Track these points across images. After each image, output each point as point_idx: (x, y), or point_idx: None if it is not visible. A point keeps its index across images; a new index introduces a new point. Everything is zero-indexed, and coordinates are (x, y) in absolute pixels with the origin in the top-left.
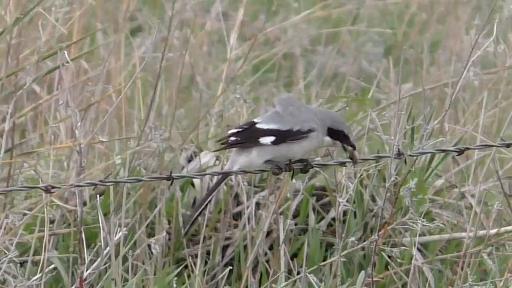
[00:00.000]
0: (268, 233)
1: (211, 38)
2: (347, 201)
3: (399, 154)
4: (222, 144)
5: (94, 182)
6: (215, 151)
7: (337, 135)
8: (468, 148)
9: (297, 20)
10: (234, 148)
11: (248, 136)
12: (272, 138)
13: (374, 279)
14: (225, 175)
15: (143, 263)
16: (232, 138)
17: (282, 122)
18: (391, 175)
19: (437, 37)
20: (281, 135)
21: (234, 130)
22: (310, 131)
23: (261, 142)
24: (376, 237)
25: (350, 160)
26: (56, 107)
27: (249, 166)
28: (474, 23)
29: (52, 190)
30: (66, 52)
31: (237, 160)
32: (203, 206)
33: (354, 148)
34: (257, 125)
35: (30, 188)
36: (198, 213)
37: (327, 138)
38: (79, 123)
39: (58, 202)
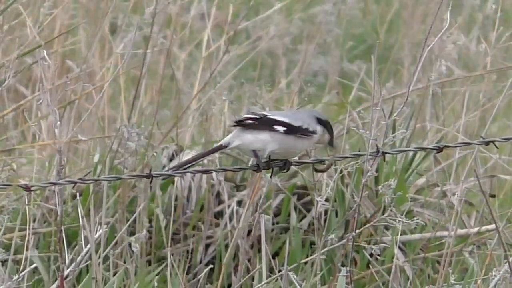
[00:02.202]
0: (250, 232)
1: (192, 37)
2: (326, 200)
3: (378, 152)
4: (237, 123)
5: (73, 180)
6: (231, 126)
7: (324, 125)
8: (447, 146)
9: (278, 19)
10: (243, 129)
11: (263, 123)
12: (284, 128)
13: (355, 277)
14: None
15: (125, 262)
16: (249, 121)
17: (293, 119)
18: (368, 170)
19: (419, 36)
20: (292, 128)
21: (252, 115)
22: (314, 132)
23: (275, 128)
24: (354, 233)
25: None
26: (37, 105)
27: (256, 147)
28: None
29: (31, 188)
30: (44, 50)
31: (241, 135)
32: (193, 162)
33: (334, 147)
34: (270, 116)
35: (9, 185)
36: (189, 163)
37: (320, 127)
38: (58, 122)
39: (40, 200)
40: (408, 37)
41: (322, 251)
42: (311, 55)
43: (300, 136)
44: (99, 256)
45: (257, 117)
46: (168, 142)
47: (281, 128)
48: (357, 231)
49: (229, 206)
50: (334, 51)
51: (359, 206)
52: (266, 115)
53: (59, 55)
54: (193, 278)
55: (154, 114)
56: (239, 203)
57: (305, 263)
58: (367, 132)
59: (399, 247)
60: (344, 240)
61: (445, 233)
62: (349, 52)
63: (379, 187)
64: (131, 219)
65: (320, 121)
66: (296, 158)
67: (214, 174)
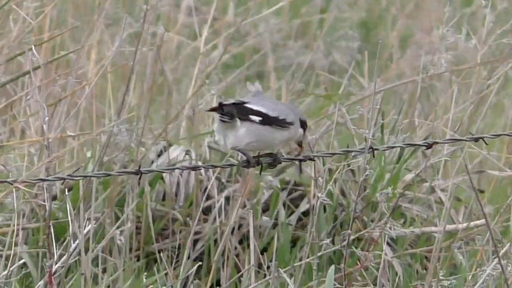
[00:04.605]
0: (238, 228)
1: (182, 33)
2: (314, 196)
3: (368, 148)
4: (212, 109)
5: (62, 176)
6: (207, 110)
7: (303, 127)
8: (437, 142)
9: (267, 15)
10: (222, 124)
11: (238, 111)
12: (260, 118)
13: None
14: None
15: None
16: (224, 119)
17: (271, 109)
18: (365, 169)
19: (407, 31)
20: (268, 118)
21: (228, 102)
22: (291, 123)
23: (251, 118)
24: (349, 232)
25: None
26: (26, 102)
27: (234, 144)
28: (445, 16)
29: (20, 184)
30: (34, 48)
31: (226, 135)
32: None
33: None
34: (247, 105)
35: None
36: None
37: (301, 130)
38: (47, 118)
39: (28, 196)
40: (396, 32)
41: (313, 257)
42: (300, 50)
43: (277, 127)
44: (88, 253)
45: (235, 102)
46: (158, 138)
47: (256, 118)
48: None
49: (217, 201)
50: (323, 47)
51: (356, 205)
52: (243, 102)
53: (49, 49)
54: (182, 274)
55: (146, 112)
56: (228, 199)
57: (294, 257)
58: (367, 131)
59: (388, 243)
60: (344, 243)
61: (435, 228)
62: (338, 47)
63: (377, 194)
64: (122, 218)
65: (302, 123)
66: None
67: (202, 170)
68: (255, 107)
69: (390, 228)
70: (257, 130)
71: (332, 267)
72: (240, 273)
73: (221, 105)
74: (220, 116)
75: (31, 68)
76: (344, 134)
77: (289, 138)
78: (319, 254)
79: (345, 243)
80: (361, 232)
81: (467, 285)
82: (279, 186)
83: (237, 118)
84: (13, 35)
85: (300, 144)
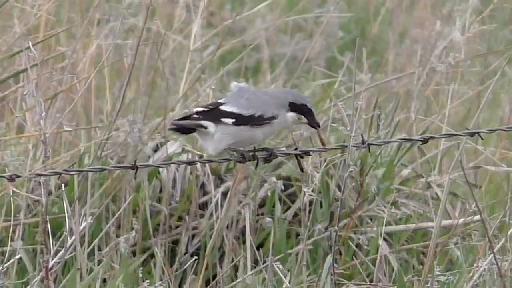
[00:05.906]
0: (236, 223)
1: (179, 28)
2: (312, 191)
3: (363, 143)
4: (185, 118)
5: (58, 171)
6: (177, 119)
7: (300, 109)
8: (432, 137)
9: (264, 11)
10: (198, 134)
11: (211, 116)
12: (233, 119)
13: (341, 268)
14: None
15: (109, 254)
16: (195, 116)
17: (246, 108)
18: (349, 165)
19: (404, 26)
20: (242, 118)
21: (200, 109)
22: (272, 118)
23: (223, 121)
24: (337, 228)
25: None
26: (22, 97)
27: (214, 149)
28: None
29: (16, 179)
30: (31, 43)
31: (205, 140)
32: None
33: (319, 126)
34: (221, 107)
35: None
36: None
37: (291, 114)
38: (43, 113)
39: (24, 192)
40: (394, 28)
41: (307, 243)
42: (296, 46)
43: (254, 125)
44: (84, 248)
45: (207, 109)
46: (154, 133)
47: (229, 120)
48: (342, 222)
49: (214, 196)
50: (321, 42)
51: (342, 200)
52: (220, 104)
53: (44, 45)
54: (177, 270)
55: (145, 108)
56: (224, 194)
57: (290, 254)
58: (348, 128)
59: (384, 238)
60: (331, 229)
61: (430, 224)
62: (336, 42)
63: (365, 177)
64: (118, 213)
65: (294, 106)
66: (284, 149)
67: (198, 165)
68: (228, 109)
69: (384, 212)
70: (233, 132)
71: (329, 256)
72: (233, 263)
73: (180, 120)
74: (171, 130)
75: (28, 64)
76: (340, 130)
77: (275, 131)
78: (309, 241)
79: (330, 231)
80: (351, 217)
81: (464, 281)
82: (283, 188)
83: (210, 124)
84: (15, 30)
85: (314, 126)
